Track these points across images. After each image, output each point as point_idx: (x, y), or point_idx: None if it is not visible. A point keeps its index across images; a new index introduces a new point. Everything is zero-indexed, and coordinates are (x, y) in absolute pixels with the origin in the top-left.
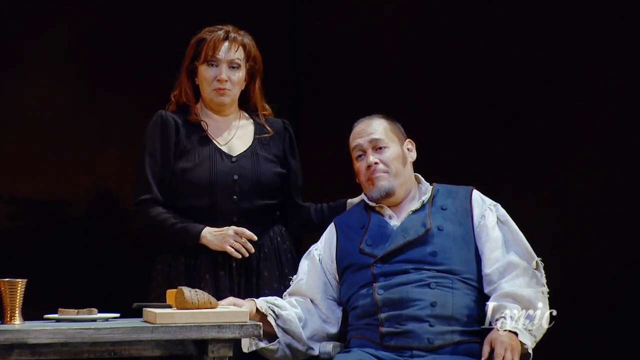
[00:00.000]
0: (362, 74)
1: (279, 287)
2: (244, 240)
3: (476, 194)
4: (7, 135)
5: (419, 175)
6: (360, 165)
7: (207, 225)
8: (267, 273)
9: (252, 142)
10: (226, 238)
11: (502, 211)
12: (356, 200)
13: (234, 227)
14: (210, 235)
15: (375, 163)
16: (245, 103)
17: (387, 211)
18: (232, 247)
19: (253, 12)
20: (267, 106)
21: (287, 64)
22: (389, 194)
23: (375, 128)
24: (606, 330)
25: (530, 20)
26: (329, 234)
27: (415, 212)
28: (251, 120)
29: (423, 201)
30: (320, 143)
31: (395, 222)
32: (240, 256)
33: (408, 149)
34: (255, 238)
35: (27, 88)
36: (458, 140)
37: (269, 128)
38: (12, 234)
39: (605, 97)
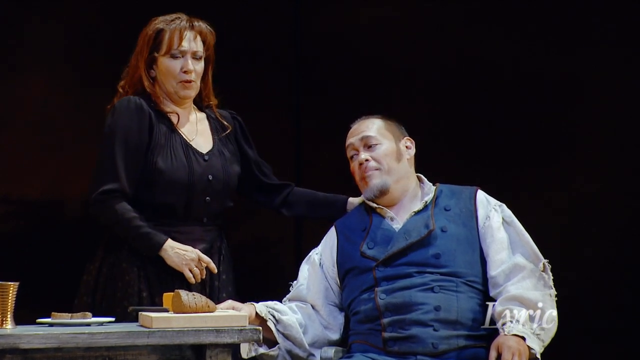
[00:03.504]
0: (364, 73)
1: (232, 290)
2: (203, 267)
3: (481, 195)
4: (1, 134)
5: (422, 176)
6: (353, 165)
7: (177, 225)
8: (225, 276)
9: (214, 139)
10: (188, 261)
11: (508, 212)
12: (357, 201)
13: (199, 253)
14: (172, 250)
15: (366, 160)
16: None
17: (389, 213)
18: (191, 272)
19: (254, 11)
20: (214, 97)
21: (288, 64)
22: (382, 191)
23: (367, 126)
24: (613, 332)
25: (534, 20)
26: (330, 238)
27: (417, 213)
28: (203, 114)
29: (426, 202)
30: (321, 144)
31: (397, 224)
32: (194, 281)
33: (407, 147)
34: (216, 271)
35: (21, 87)
36: (461, 141)
37: (226, 123)
38: (5, 235)
39: (611, 97)
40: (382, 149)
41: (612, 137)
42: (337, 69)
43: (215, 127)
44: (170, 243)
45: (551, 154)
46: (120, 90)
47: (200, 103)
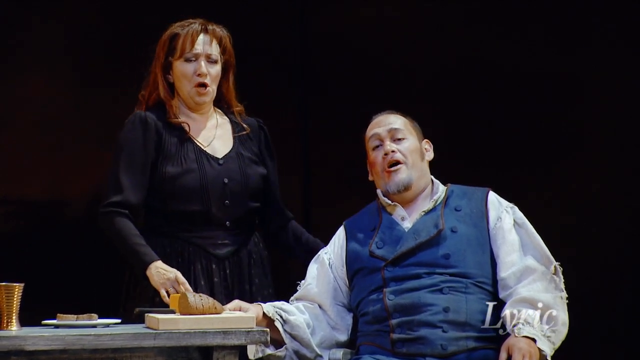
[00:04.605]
0: (364, 74)
1: (268, 293)
2: (181, 288)
3: (492, 196)
4: (1, 134)
5: (433, 177)
6: (376, 155)
7: (198, 231)
8: (258, 280)
9: (234, 142)
10: (165, 280)
11: (519, 214)
12: None
13: (177, 274)
14: (155, 270)
15: (393, 151)
16: (218, 100)
17: (400, 212)
18: (167, 292)
19: (254, 11)
20: (238, 103)
21: (288, 64)
22: (406, 187)
23: (394, 120)
24: (624, 332)
25: (534, 20)
26: (339, 238)
27: (427, 213)
28: (227, 118)
29: (435, 201)
30: (321, 144)
31: (407, 223)
32: (167, 301)
33: (425, 149)
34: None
35: (22, 86)
36: (461, 141)
37: (245, 126)
38: (8, 236)
39: (611, 97)
40: (408, 144)
41: (612, 137)
42: (337, 69)
43: (237, 132)
44: (156, 263)
45: (551, 154)
46: (141, 98)
47: (225, 108)
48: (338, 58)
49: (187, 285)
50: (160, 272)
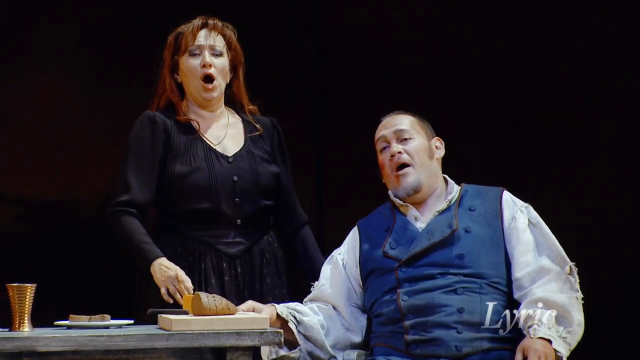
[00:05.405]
0: (363, 73)
1: (280, 293)
2: (180, 287)
3: (507, 195)
4: (13, 133)
5: (447, 177)
6: (384, 158)
7: (209, 229)
8: (270, 279)
9: (245, 141)
10: (166, 278)
11: (534, 213)
12: None
13: (178, 272)
14: (159, 267)
15: (399, 152)
16: (230, 100)
17: (413, 212)
18: (168, 290)
19: (254, 11)
20: (250, 102)
21: (307, 63)
22: (416, 190)
23: (400, 120)
24: (624, 332)
25: (535, 20)
26: (352, 238)
27: (441, 212)
28: (239, 118)
29: (449, 201)
30: (342, 144)
31: (420, 223)
32: (171, 300)
33: (436, 147)
34: (192, 291)
35: (27, 86)
36: (461, 141)
37: (258, 126)
38: (20, 237)
39: (611, 97)
40: (415, 144)
41: (612, 136)
42: (337, 69)
43: (250, 131)
44: (159, 260)
45: (551, 155)
46: (151, 104)
47: (237, 108)
48: (337, 58)
49: (187, 284)
50: (162, 270)
